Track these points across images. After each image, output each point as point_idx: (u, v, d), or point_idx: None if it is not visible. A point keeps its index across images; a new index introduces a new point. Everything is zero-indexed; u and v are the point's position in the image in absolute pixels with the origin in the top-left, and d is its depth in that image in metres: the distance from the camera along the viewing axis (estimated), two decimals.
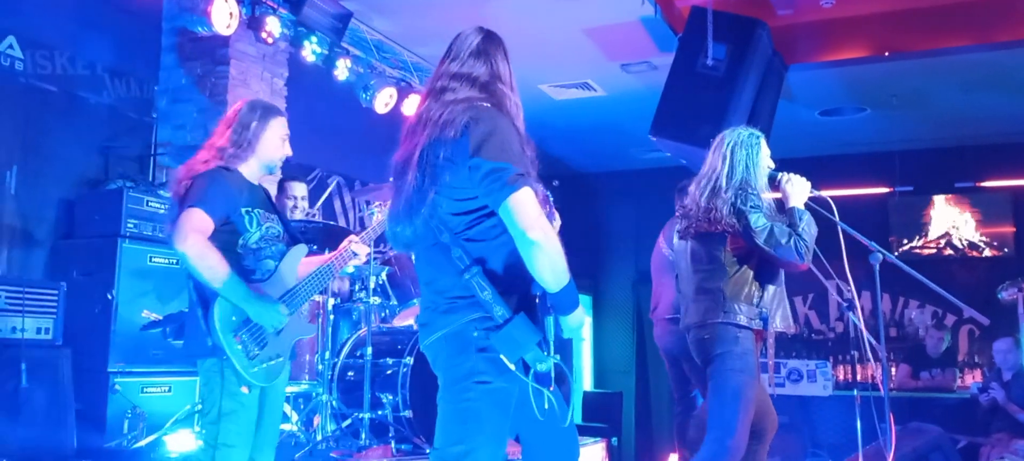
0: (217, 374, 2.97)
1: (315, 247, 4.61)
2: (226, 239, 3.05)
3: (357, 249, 3.49)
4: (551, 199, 2.89)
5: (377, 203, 5.09)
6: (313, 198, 6.19)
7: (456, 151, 2.36)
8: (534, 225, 2.27)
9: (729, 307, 3.61)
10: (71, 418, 4.33)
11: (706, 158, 3.85)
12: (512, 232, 2.30)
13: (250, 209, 3.14)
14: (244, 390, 2.99)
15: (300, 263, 3.30)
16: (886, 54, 6.33)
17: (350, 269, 3.59)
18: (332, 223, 6.30)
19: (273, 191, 6.04)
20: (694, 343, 3.74)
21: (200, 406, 3.07)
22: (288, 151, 3.31)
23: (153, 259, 4.84)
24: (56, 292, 4.43)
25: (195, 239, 2.91)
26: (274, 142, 3.24)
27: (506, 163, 2.29)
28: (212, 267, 2.92)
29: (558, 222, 3.20)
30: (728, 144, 3.76)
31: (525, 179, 2.30)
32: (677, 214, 4.05)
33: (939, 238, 9.15)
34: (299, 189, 5.57)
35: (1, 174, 5.09)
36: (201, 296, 3.00)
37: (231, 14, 5.28)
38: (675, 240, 4.78)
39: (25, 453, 4.04)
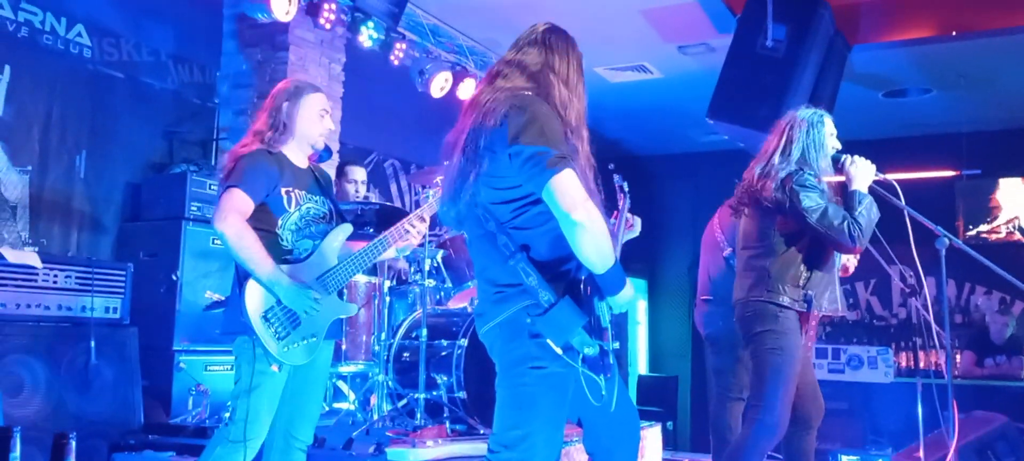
0: (249, 351, 3.02)
1: (372, 229, 4.66)
2: (265, 219, 3.09)
3: (414, 225, 3.42)
4: (626, 189, 2.86)
5: (433, 189, 5.14)
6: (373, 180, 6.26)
7: (495, 139, 2.37)
8: (577, 206, 2.26)
9: (773, 286, 3.57)
10: (138, 394, 4.46)
11: (767, 139, 3.80)
12: (556, 214, 2.30)
13: (290, 189, 3.15)
14: (274, 368, 3.03)
15: (344, 242, 3.28)
16: (953, 33, 6.15)
17: (406, 250, 3.51)
18: (388, 204, 6.37)
19: (332, 175, 6.12)
20: (738, 320, 3.73)
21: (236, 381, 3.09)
22: (329, 125, 3.31)
23: (215, 241, 4.94)
24: (123, 272, 4.56)
25: (233, 219, 2.97)
26: (311, 119, 3.24)
27: (545, 146, 2.29)
28: (247, 248, 2.97)
29: (637, 230, 3.15)
30: (787, 123, 3.72)
31: (567, 161, 2.29)
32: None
33: (1008, 222, 8.87)
34: (359, 173, 5.62)
35: (70, 159, 5.26)
36: (240, 275, 3.05)
37: (290, 0, 5.35)
38: (719, 214, 4.75)
39: (94, 427, 4.19)
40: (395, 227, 3.38)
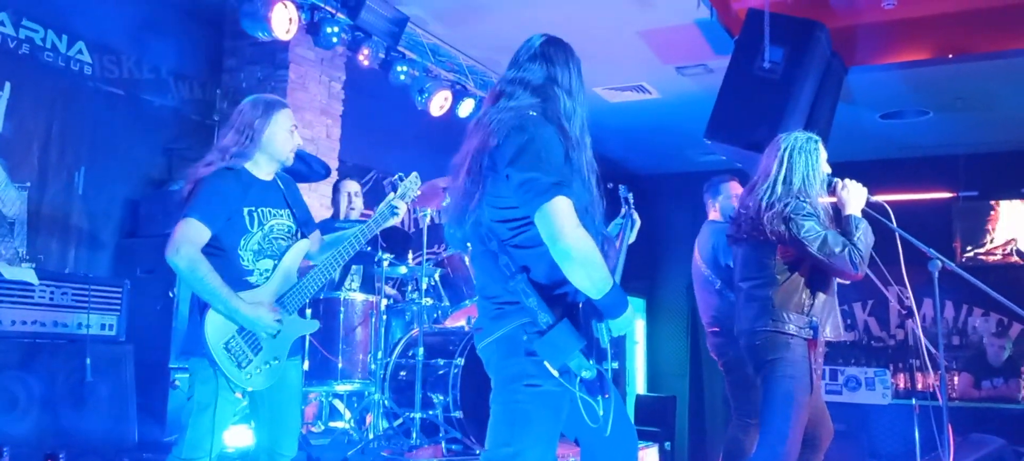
0: (207, 372, 3.00)
1: (370, 247, 4.67)
2: (225, 240, 3.06)
3: (397, 204, 3.46)
4: (631, 200, 2.85)
5: (431, 207, 5.14)
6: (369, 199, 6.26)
7: (496, 159, 2.39)
8: (562, 234, 2.27)
9: (778, 315, 3.56)
10: (133, 412, 4.45)
11: (761, 163, 3.79)
12: (545, 240, 2.31)
13: (254, 208, 3.13)
14: (238, 395, 3.03)
15: (303, 257, 3.25)
16: (950, 56, 6.17)
17: (392, 221, 3.49)
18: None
19: (328, 191, 6.12)
20: (746, 350, 3.70)
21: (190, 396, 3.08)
22: (298, 142, 3.27)
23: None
24: (120, 290, 4.56)
25: (187, 251, 2.93)
26: (281, 136, 3.20)
27: (537, 174, 2.30)
28: (202, 279, 2.94)
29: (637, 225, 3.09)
30: (785, 148, 3.69)
31: (559, 188, 2.30)
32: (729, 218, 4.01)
33: (1004, 244, 8.89)
34: (352, 186, 5.63)
35: (70, 174, 5.27)
36: (199, 302, 3.03)
37: (291, 19, 5.38)
38: (698, 250, 4.73)
39: (89, 445, 4.17)
40: (344, 245, 3.30)
